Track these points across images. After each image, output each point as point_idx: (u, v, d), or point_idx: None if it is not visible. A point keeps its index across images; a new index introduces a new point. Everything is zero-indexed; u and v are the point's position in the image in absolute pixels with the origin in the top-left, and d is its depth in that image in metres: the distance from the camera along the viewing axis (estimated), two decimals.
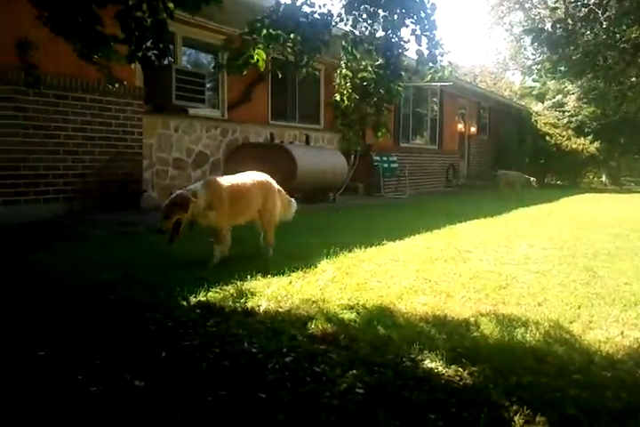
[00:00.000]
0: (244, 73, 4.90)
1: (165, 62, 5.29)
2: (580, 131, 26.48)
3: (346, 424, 2.38)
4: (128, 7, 3.92)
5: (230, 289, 4.31)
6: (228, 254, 5.38)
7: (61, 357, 2.91)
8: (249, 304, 4.01)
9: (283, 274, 4.88)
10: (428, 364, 3.05)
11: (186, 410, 2.43)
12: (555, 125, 26.47)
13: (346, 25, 4.89)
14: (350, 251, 6.04)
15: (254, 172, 5.65)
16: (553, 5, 23.94)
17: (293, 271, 5.01)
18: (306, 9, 4.70)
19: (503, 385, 2.81)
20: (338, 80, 5.43)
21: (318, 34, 4.61)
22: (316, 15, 4.67)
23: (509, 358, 3.13)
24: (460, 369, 2.98)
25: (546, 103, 31.64)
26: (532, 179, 15.29)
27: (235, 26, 9.87)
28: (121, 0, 3.96)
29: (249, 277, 4.67)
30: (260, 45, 4.58)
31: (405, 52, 5.04)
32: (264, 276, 4.75)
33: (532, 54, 34.96)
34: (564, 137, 25.21)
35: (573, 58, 20.72)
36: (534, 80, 31.57)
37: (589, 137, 25.72)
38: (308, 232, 7.38)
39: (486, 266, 5.68)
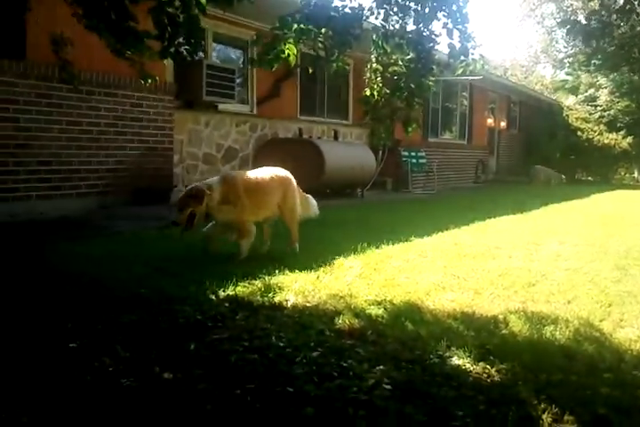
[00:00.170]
0: (275, 68, 4.92)
1: (196, 58, 5.34)
2: (612, 125, 26.00)
3: (374, 419, 2.39)
4: (161, 3, 3.98)
5: (258, 284, 4.34)
6: (264, 250, 5.45)
7: (92, 348, 2.97)
8: (277, 299, 4.03)
9: (310, 269, 4.90)
10: (455, 360, 3.04)
11: (215, 402, 2.47)
12: (586, 120, 26.05)
13: (377, 19, 4.88)
14: (378, 247, 6.04)
15: (274, 167, 5.64)
16: None
17: (320, 267, 5.03)
18: (337, 3, 4.71)
19: (532, 383, 2.79)
20: (368, 74, 5.42)
21: (349, 28, 4.61)
22: (347, 9, 4.67)
23: (539, 355, 3.11)
24: (488, 366, 2.97)
25: (577, 97, 31.14)
26: (562, 176, 15.23)
27: (264, 21, 9.89)
28: None
29: (277, 271, 4.70)
30: (291, 40, 4.59)
31: (436, 46, 5.01)
32: (291, 271, 4.77)
33: (564, 47, 34.50)
34: (595, 132, 24.79)
35: (608, 50, 20.35)
36: (568, 73, 31.08)
37: (622, 132, 25.24)
38: (335, 228, 7.39)
39: (515, 263, 5.64)
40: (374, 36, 5.04)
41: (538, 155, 22.89)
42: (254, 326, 3.45)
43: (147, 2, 4.09)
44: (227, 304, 3.85)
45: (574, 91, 30.79)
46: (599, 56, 21.48)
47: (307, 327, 3.45)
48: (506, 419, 2.45)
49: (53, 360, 2.79)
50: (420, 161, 15.36)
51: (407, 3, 4.71)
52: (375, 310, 3.83)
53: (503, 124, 22.43)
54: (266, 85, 11.45)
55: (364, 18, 4.78)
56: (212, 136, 10.27)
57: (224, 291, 4.12)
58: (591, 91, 29.67)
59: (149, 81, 5.11)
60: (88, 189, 7.80)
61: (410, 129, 5.17)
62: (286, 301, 4.00)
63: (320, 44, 4.81)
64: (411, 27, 4.93)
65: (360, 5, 4.75)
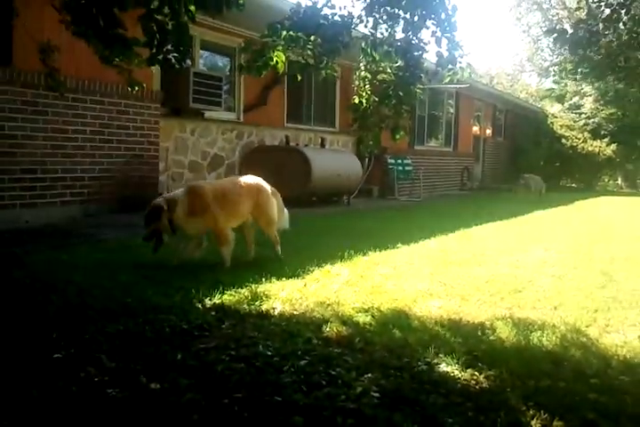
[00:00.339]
0: (263, 75, 4.93)
1: (184, 65, 5.32)
2: (596, 133, 26.27)
3: None
4: (150, 10, 3.96)
5: (245, 292, 4.32)
6: (250, 258, 5.44)
7: (78, 359, 2.93)
8: (264, 307, 4.02)
9: (297, 277, 4.89)
10: (444, 367, 3.04)
11: (202, 412, 2.45)
12: (571, 128, 26.29)
13: (366, 27, 4.90)
14: (365, 254, 6.04)
15: (248, 175, 5.65)
16: (576, 6, 23.76)
17: (307, 274, 5.02)
18: (326, 11, 4.72)
19: (520, 389, 2.80)
20: (357, 82, 5.45)
21: (338, 36, 4.63)
22: (337, 17, 4.69)
23: (526, 362, 3.12)
24: (476, 373, 2.98)
25: (563, 105, 31.44)
26: (543, 184, 15.60)
27: (252, 29, 9.91)
28: (143, 3, 3.99)
29: (263, 279, 4.69)
30: (280, 47, 4.60)
31: (425, 54, 5.04)
32: (278, 279, 4.76)
33: (550, 56, 34.87)
34: (580, 139, 25.02)
35: (595, 59, 20.57)
36: (555, 82, 31.36)
37: (606, 139, 25.50)
38: (322, 235, 7.39)
39: (501, 269, 5.66)
40: (363, 44, 5.06)
41: (523, 162, 23.05)
42: (241, 334, 3.43)
43: (136, 9, 4.08)
44: (213, 313, 3.82)
45: (561, 99, 31.08)
46: (586, 65, 21.68)
47: (294, 336, 3.43)
48: (495, 426, 2.45)
49: (38, 371, 2.75)
50: (407, 168, 15.41)
51: (396, 11, 4.73)
52: (362, 318, 3.83)
53: (489, 131, 22.58)
54: (253, 93, 11.45)
55: (354, 26, 4.80)
56: (199, 144, 10.25)
57: (210, 299, 4.09)
58: (576, 99, 30.00)
59: (136, 88, 5.10)
60: (73, 197, 7.75)
61: (398, 136, 5.19)
62: (273, 309, 3.99)
63: (309, 52, 4.82)
64: (399, 35, 4.96)
65: (349, 13, 4.77)
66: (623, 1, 16.36)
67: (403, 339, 3.43)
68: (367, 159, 14.27)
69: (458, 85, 14.86)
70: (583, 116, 28.07)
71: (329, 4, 4.94)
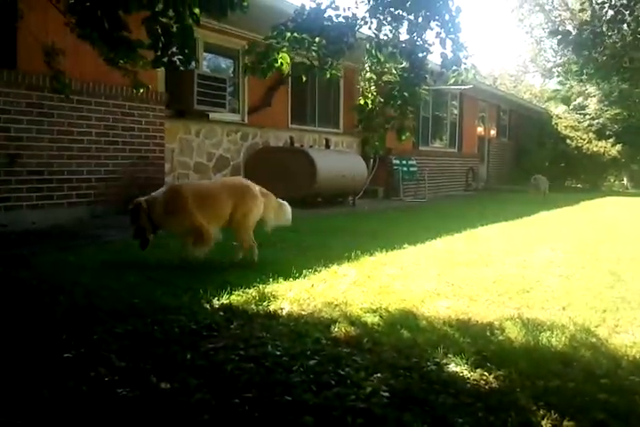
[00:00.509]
0: (267, 76, 4.94)
1: (189, 68, 5.33)
2: (601, 134, 26.21)
3: None
4: (155, 13, 3.97)
5: (253, 292, 4.32)
6: (256, 258, 5.41)
7: (88, 359, 2.94)
8: (271, 307, 4.02)
9: (304, 277, 4.90)
10: (453, 367, 3.04)
11: (213, 412, 2.45)
12: (575, 128, 26.24)
13: (370, 28, 4.90)
14: (371, 254, 6.04)
15: (235, 177, 5.67)
16: (579, 7, 23.72)
17: (315, 274, 5.03)
18: (330, 12, 4.73)
19: (530, 389, 2.79)
20: (362, 83, 5.46)
21: (342, 37, 4.63)
22: (341, 18, 4.69)
23: (536, 362, 3.11)
24: (485, 373, 2.97)
25: (565, 106, 31.38)
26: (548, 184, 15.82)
27: (255, 31, 9.93)
28: (147, 6, 4.00)
29: (271, 280, 4.69)
30: (285, 49, 4.60)
31: (429, 55, 5.04)
32: (285, 279, 4.77)
33: (553, 57, 34.84)
34: (584, 140, 24.97)
35: (599, 60, 20.53)
36: (560, 83, 31.31)
37: (611, 140, 25.44)
38: (328, 236, 7.40)
39: (509, 270, 5.65)
40: (367, 45, 5.07)
41: (528, 163, 23.02)
42: (250, 334, 3.43)
43: (140, 12, 4.09)
44: (221, 313, 3.82)
45: (567, 100, 31.00)
46: (591, 66, 21.63)
47: (303, 336, 3.43)
48: (505, 426, 2.44)
49: (48, 371, 2.76)
50: (411, 169, 15.41)
51: (400, 12, 4.74)
52: (371, 318, 3.83)
53: (493, 132, 22.55)
54: (257, 94, 11.46)
55: (358, 27, 4.81)
56: (204, 145, 10.26)
57: (218, 300, 4.10)
58: (580, 99, 29.94)
59: (141, 90, 5.11)
60: (79, 198, 7.76)
61: (404, 137, 5.19)
62: (281, 309, 3.99)
63: (314, 53, 4.82)
64: (404, 36, 4.97)
65: (353, 15, 4.78)
66: (627, 2, 16.35)
67: (411, 339, 3.43)
68: (372, 160, 14.27)
69: (462, 86, 14.85)
70: (588, 116, 28.00)
71: (333, 6, 4.96)
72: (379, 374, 2.89)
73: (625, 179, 30.02)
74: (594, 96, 28.37)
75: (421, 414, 2.51)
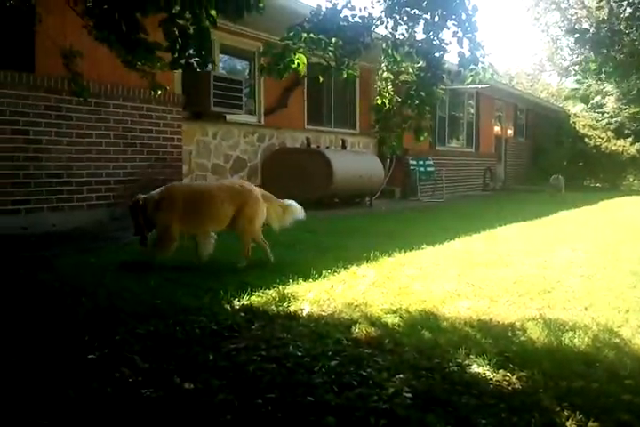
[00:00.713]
0: (283, 78, 4.95)
1: (205, 69, 5.35)
2: (619, 132, 25.92)
3: None
4: (172, 15, 3.99)
5: (273, 293, 4.33)
6: (271, 260, 5.40)
7: (111, 360, 2.96)
8: (292, 308, 4.03)
9: (323, 278, 4.90)
10: (475, 368, 3.02)
11: (236, 412, 2.45)
12: (593, 127, 25.99)
13: (386, 28, 4.90)
14: (390, 255, 6.02)
15: (236, 180, 5.64)
16: (596, 5, 23.49)
17: (334, 275, 5.03)
18: (346, 12, 4.73)
19: (553, 390, 2.77)
20: (379, 83, 5.45)
21: (359, 37, 4.63)
22: (357, 18, 4.69)
23: (559, 362, 3.09)
24: (508, 374, 2.95)
25: (583, 105, 31.10)
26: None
27: (271, 32, 9.95)
28: (164, 8, 4.02)
29: (290, 281, 4.70)
30: (301, 50, 4.61)
31: (446, 55, 5.03)
32: (305, 280, 4.78)
33: (570, 55, 34.54)
34: (603, 139, 24.72)
35: (617, 58, 20.33)
36: (578, 82, 31.04)
37: (630, 138, 25.16)
38: (346, 236, 7.39)
39: (529, 270, 5.61)
40: (384, 45, 5.06)
41: (545, 162, 22.84)
42: (271, 335, 3.44)
43: (157, 14, 4.12)
44: (242, 314, 3.84)
45: (585, 99, 30.69)
46: (610, 64, 21.41)
47: (323, 337, 3.44)
48: (529, 426, 2.42)
49: (73, 371, 2.78)
50: (428, 169, 15.35)
51: (416, 12, 4.73)
52: (391, 319, 3.82)
53: (510, 131, 22.40)
54: (273, 96, 11.48)
55: (374, 27, 4.80)
56: (221, 147, 10.30)
57: (239, 301, 4.12)
58: (597, 98, 29.65)
59: (159, 92, 5.14)
60: (99, 200, 7.81)
61: (422, 138, 5.17)
62: (301, 310, 3.99)
63: (330, 54, 4.83)
64: (420, 35, 4.96)
65: (370, 15, 4.77)
66: None
67: (432, 340, 3.42)
68: (389, 160, 14.24)
69: (478, 86, 14.78)
70: (606, 115, 27.72)
71: (349, 6, 4.96)
72: (401, 375, 2.89)
73: None
74: (612, 94, 28.08)
75: (444, 415, 2.50)
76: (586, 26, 26.05)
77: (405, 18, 4.99)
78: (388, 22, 5.04)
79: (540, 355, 3.21)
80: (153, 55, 4.45)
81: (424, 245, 6.65)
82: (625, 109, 26.88)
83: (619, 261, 6.22)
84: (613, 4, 19.63)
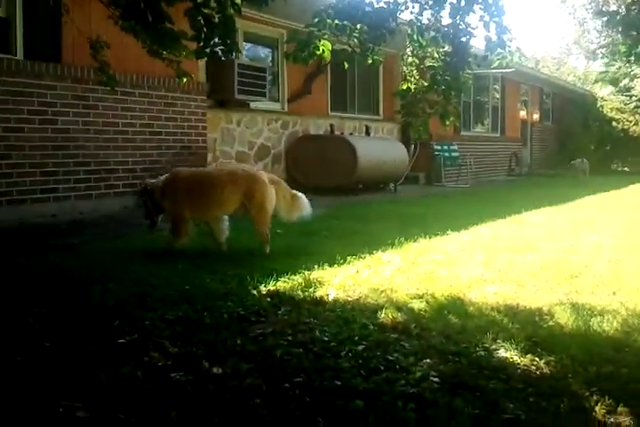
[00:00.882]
0: (308, 64, 4.94)
1: (230, 57, 5.37)
2: None
3: (424, 412, 2.38)
4: (197, 4, 3.99)
5: (298, 279, 4.36)
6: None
7: (141, 344, 3.01)
8: (318, 293, 4.05)
9: (349, 263, 4.91)
10: (502, 353, 3.02)
11: (264, 396, 2.48)
12: (621, 110, 25.52)
13: (412, 13, 4.86)
14: (415, 240, 6.01)
15: (242, 164, 5.60)
16: None
17: (359, 261, 5.04)
18: None
19: (582, 375, 2.76)
20: (404, 68, 5.42)
21: (384, 22, 4.60)
22: (382, 4, 4.67)
23: (587, 347, 3.07)
24: (536, 359, 2.94)
25: (610, 88, 30.51)
26: None
27: (294, 19, 9.92)
28: None
29: (316, 266, 4.71)
30: (326, 36, 4.60)
31: (472, 39, 4.98)
32: (330, 265, 4.79)
33: (597, 38, 33.91)
34: (631, 122, 24.30)
35: None
36: (607, 64, 30.43)
37: None
38: (370, 222, 7.39)
39: (556, 255, 5.56)
40: (409, 30, 5.03)
41: (572, 147, 22.54)
42: (297, 320, 3.46)
43: (182, 2, 4.13)
44: (268, 299, 3.87)
45: (615, 82, 30.09)
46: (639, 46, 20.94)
47: (349, 322, 3.45)
48: (558, 411, 2.42)
49: (104, 356, 2.83)
50: (453, 155, 15.24)
51: None
52: (417, 304, 3.82)
53: (536, 116, 22.12)
54: (296, 83, 11.46)
55: (399, 12, 4.77)
56: (245, 134, 10.33)
57: (265, 286, 4.15)
58: (626, 81, 29.07)
59: (184, 80, 5.16)
60: (126, 188, 7.90)
61: (447, 122, 5.14)
62: (327, 295, 4.01)
63: (355, 40, 4.81)
64: (446, 20, 4.91)
65: (395, 0, 4.73)
66: None
67: (459, 325, 3.41)
68: (413, 146, 14.17)
69: (503, 70, 14.58)
70: (634, 98, 27.18)
71: None
72: (427, 360, 2.89)
73: None
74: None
75: (472, 399, 2.50)
76: (613, 7, 25.49)
77: (431, 2, 4.94)
78: (413, 7, 5.01)
79: (569, 340, 3.19)
80: (178, 44, 4.46)
81: (449, 231, 6.62)
82: None
83: None
84: None
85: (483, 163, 17.51)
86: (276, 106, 11.21)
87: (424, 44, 5.13)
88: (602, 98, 27.10)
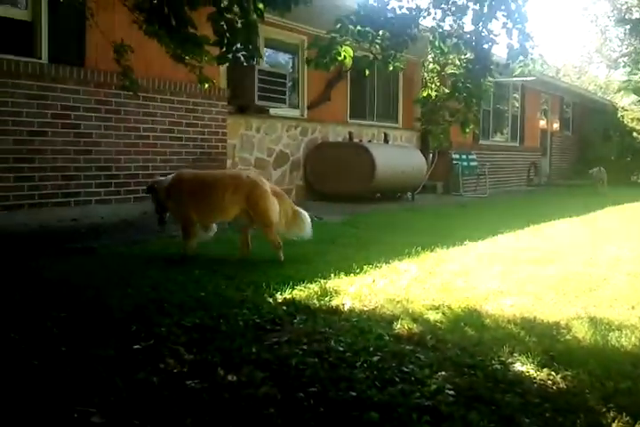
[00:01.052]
0: (330, 70, 4.96)
1: (252, 63, 5.40)
2: None
3: (439, 425, 2.36)
4: (220, 9, 4.02)
5: (314, 287, 4.36)
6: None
7: (156, 350, 3.02)
8: (333, 302, 4.04)
9: (365, 273, 4.90)
10: (519, 367, 2.99)
11: (278, 405, 2.48)
12: None
13: (434, 19, 4.86)
14: (432, 250, 5.99)
15: (247, 170, 5.62)
16: None
17: (375, 270, 5.03)
18: (394, 4, 4.71)
19: (599, 391, 2.73)
20: (425, 75, 5.42)
21: (406, 28, 4.61)
22: (404, 10, 4.67)
23: (605, 362, 3.03)
24: (552, 373, 2.91)
25: (633, 97, 30.21)
26: None
27: (314, 24, 9.97)
28: (213, 2, 4.06)
29: (332, 275, 4.71)
30: (348, 42, 4.61)
31: (494, 46, 4.96)
32: (346, 274, 4.79)
33: (619, 46, 33.66)
34: None
35: None
36: (629, 73, 30.16)
37: None
38: (387, 231, 7.37)
39: (574, 267, 5.51)
40: (431, 37, 5.02)
41: (592, 157, 22.34)
42: (312, 329, 3.46)
43: (206, 7, 4.16)
44: (284, 307, 3.87)
45: (638, 91, 29.80)
46: None
47: (365, 332, 3.44)
48: None
49: (120, 361, 2.85)
50: (471, 164, 15.17)
51: (465, 2, 4.67)
52: (433, 315, 3.80)
53: (556, 125, 21.96)
54: (316, 89, 11.49)
55: (421, 19, 4.77)
56: (264, 141, 10.36)
57: (281, 294, 4.15)
58: None
59: (206, 85, 5.20)
60: (145, 193, 7.94)
61: (467, 130, 5.12)
62: (343, 304, 4.00)
63: (377, 46, 4.81)
64: (468, 27, 4.90)
65: (417, 6, 4.74)
66: None
67: (475, 337, 3.39)
68: (431, 155, 14.13)
69: (524, 78, 14.52)
70: None
71: None
72: (443, 372, 2.87)
73: None
74: None
75: (488, 413, 2.49)
76: (636, 15, 25.31)
77: (453, 9, 4.93)
78: (435, 13, 5.01)
79: (586, 354, 3.15)
80: (201, 49, 4.50)
81: (467, 241, 6.59)
82: None
83: None
84: None
85: (501, 172, 17.41)
86: (295, 112, 11.24)
87: (446, 50, 5.12)
88: (623, 108, 26.85)
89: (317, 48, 5.11)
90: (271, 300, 4.03)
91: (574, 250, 6.47)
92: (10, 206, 6.56)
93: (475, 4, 4.83)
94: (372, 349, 3.16)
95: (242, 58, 4.42)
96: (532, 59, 4.99)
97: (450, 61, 5.43)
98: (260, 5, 4.20)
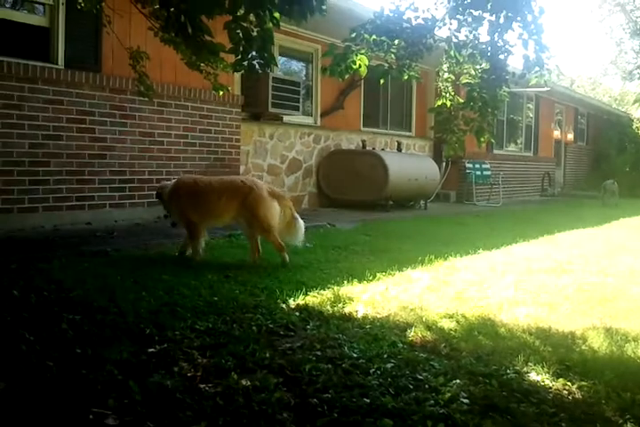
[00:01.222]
0: (344, 79, 4.96)
1: (267, 71, 5.42)
2: None
3: None
4: (236, 17, 4.04)
5: (327, 293, 4.35)
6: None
7: (169, 354, 3.02)
8: (347, 309, 4.03)
9: (378, 280, 4.89)
10: (534, 376, 2.97)
11: (292, 411, 2.47)
12: None
13: (449, 29, 4.86)
14: (445, 259, 5.97)
15: (245, 176, 5.67)
16: None
17: (389, 278, 5.02)
18: (409, 14, 4.71)
19: (616, 402, 2.70)
20: (440, 84, 5.42)
21: (421, 38, 4.61)
22: (420, 20, 4.67)
23: (621, 373, 3.00)
24: (568, 383, 2.89)
25: None
26: None
27: (328, 33, 10.00)
28: (230, 11, 4.08)
29: (345, 282, 4.71)
30: (363, 51, 4.62)
31: (510, 57, 4.95)
32: (360, 281, 4.78)
33: (634, 58, 33.54)
34: None
35: None
36: None
37: None
38: (400, 239, 7.35)
39: (589, 278, 5.47)
40: (446, 47, 5.02)
41: (606, 168, 22.22)
42: (326, 335, 3.45)
43: (222, 15, 4.18)
44: (297, 313, 3.86)
45: None
46: None
47: (378, 339, 3.43)
48: None
49: (134, 364, 2.85)
50: (485, 173, 15.11)
51: (481, 13, 4.67)
52: (447, 323, 3.78)
53: (570, 136, 21.86)
54: (330, 97, 11.52)
55: (437, 29, 4.77)
56: (277, 147, 10.39)
57: (294, 300, 4.14)
58: None
59: (221, 93, 5.23)
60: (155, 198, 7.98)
61: (482, 139, 5.11)
62: (356, 311, 4.00)
63: (392, 56, 4.82)
64: (484, 37, 4.89)
65: (433, 16, 4.74)
66: None
67: (490, 346, 3.37)
68: (444, 164, 14.11)
69: (538, 89, 14.48)
70: None
71: (412, 7, 4.93)
72: (457, 380, 2.85)
73: None
74: None
75: (503, 422, 2.47)
76: None
77: (469, 19, 4.93)
78: (451, 24, 5.00)
79: (602, 365, 3.12)
80: (217, 57, 4.53)
81: (480, 250, 6.57)
82: None
83: None
84: None
85: (515, 182, 17.34)
86: (308, 120, 11.27)
87: (461, 60, 5.11)
88: (638, 119, 26.72)
89: (332, 56, 5.12)
90: (284, 305, 4.03)
91: (589, 260, 6.42)
92: (25, 209, 6.62)
93: (491, 14, 4.81)
94: (385, 356, 3.15)
95: (257, 66, 4.43)
96: (547, 69, 4.97)
97: (465, 71, 5.41)
98: (277, 14, 4.22)
